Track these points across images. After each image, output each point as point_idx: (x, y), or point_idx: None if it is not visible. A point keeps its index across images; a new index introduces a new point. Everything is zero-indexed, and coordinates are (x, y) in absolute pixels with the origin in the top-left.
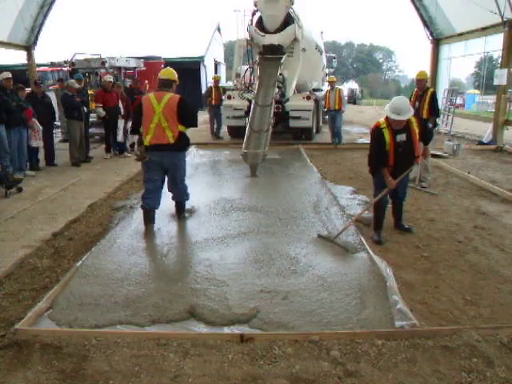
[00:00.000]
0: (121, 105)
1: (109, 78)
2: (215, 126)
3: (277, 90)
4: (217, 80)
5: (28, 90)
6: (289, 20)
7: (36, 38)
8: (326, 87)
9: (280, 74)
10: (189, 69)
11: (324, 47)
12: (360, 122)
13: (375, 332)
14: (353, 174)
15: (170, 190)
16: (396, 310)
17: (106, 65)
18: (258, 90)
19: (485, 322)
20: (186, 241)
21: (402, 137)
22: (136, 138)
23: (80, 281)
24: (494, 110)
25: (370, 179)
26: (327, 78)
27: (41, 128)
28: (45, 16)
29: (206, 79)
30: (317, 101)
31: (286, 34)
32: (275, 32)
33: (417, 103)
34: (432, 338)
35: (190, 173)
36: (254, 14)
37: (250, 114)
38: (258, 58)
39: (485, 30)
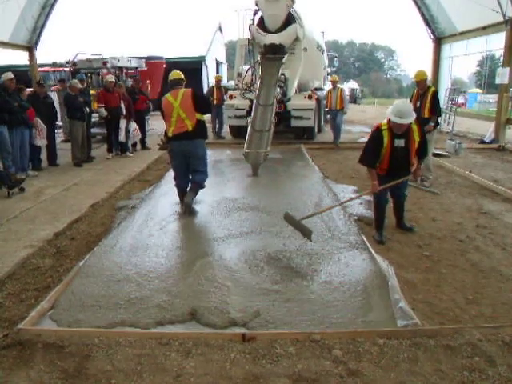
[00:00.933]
0: (122, 105)
1: (110, 78)
2: (217, 125)
3: (278, 89)
4: (218, 80)
5: (30, 90)
6: (290, 19)
7: (38, 38)
8: (327, 86)
9: (282, 74)
10: (190, 69)
11: (325, 46)
12: (361, 121)
13: (377, 331)
14: (354, 174)
15: (190, 173)
16: (398, 309)
17: (108, 65)
18: (260, 90)
19: (486, 321)
20: (188, 241)
21: (400, 142)
22: (138, 137)
23: (82, 281)
24: (495, 109)
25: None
26: (329, 77)
27: (44, 127)
28: (46, 16)
29: (208, 79)
30: (318, 100)
31: (287, 33)
32: (276, 32)
33: (418, 102)
34: (434, 337)
35: None
36: (255, 14)
37: (252, 114)
38: (259, 58)
39: (486, 29)
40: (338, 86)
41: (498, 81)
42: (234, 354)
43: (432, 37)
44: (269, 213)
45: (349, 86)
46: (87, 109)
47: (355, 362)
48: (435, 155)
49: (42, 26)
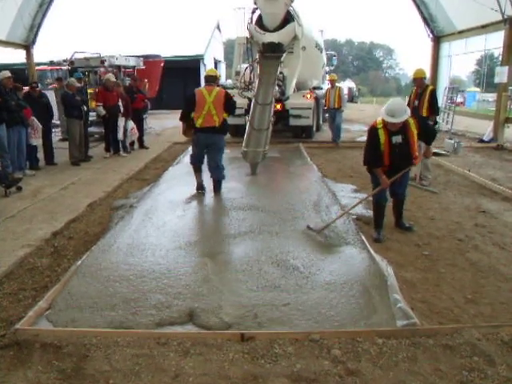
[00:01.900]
0: (120, 103)
1: (111, 76)
2: None
3: (277, 88)
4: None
5: (26, 88)
6: (289, 18)
7: (35, 36)
8: (326, 85)
9: (280, 73)
10: (188, 67)
11: (324, 45)
12: (360, 120)
13: (376, 331)
14: (353, 172)
15: (210, 170)
16: (397, 308)
17: (106, 63)
18: (258, 89)
19: (485, 321)
20: (185, 240)
21: (397, 138)
22: (135, 136)
23: (79, 281)
24: (494, 108)
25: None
26: (327, 76)
27: (40, 126)
28: (44, 14)
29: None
30: (317, 99)
31: (285, 32)
32: (275, 30)
33: (416, 101)
34: (433, 336)
35: (190, 170)
36: (253, 12)
37: (250, 113)
38: (257, 56)
39: (485, 28)
40: (337, 84)
41: (496, 80)
42: (233, 353)
43: (431, 35)
44: (268, 212)
45: (346, 85)
46: (85, 107)
47: (354, 361)
48: (434, 154)
49: (40, 24)
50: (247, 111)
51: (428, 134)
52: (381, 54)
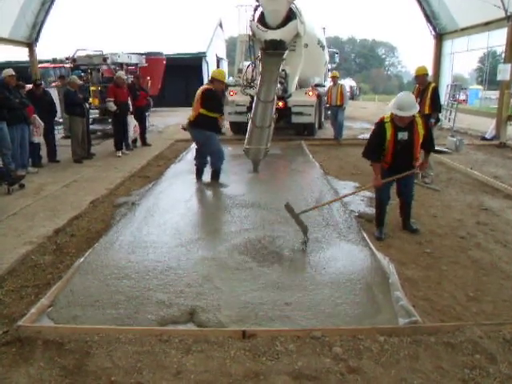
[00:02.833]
0: (130, 101)
1: (122, 74)
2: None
3: (279, 85)
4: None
5: (29, 86)
6: (291, 15)
7: (38, 34)
8: (328, 83)
9: (282, 70)
10: (191, 65)
11: (326, 43)
12: (362, 117)
13: (377, 328)
14: (355, 170)
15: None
16: (398, 306)
17: (108, 61)
18: (260, 86)
19: (487, 319)
20: (187, 238)
21: (403, 135)
22: (137, 134)
23: (81, 278)
24: (497, 106)
25: (372, 175)
26: (329, 73)
27: (42, 124)
28: (46, 12)
29: (208, 75)
30: (319, 96)
31: (288, 29)
32: (277, 27)
33: (418, 99)
34: (434, 334)
35: (192, 168)
36: (255, 10)
37: (252, 110)
38: (260, 54)
39: (488, 25)
40: (339, 82)
41: (499, 77)
42: (234, 351)
43: (433, 33)
44: (270, 210)
45: (346, 84)
46: (86, 105)
47: (355, 359)
48: (436, 152)
49: (42, 22)
50: (249, 109)
51: (432, 140)
52: (383, 51)
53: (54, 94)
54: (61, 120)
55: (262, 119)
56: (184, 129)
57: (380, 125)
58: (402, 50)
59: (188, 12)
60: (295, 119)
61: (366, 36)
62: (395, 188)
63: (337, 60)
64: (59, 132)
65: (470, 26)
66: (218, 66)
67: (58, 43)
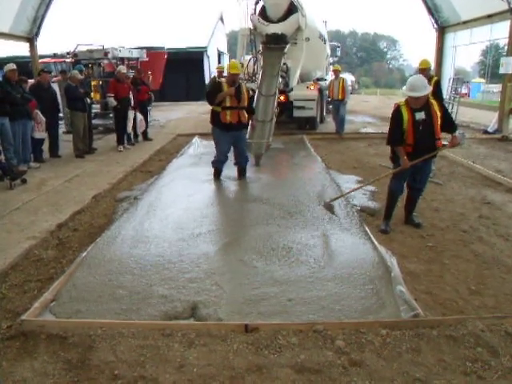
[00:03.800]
0: (131, 96)
1: (123, 68)
2: None
3: (280, 79)
4: (220, 70)
5: (31, 81)
6: (292, 9)
7: (38, 29)
8: (329, 77)
9: (284, 64)
10: (192, 59)
11: (328, 36)
12: (364, 111)
13: (380, 322)
14: (357, 164)
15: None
16: (400, 299)
17: (109, 55)
18: (262, 80)
19: (489, 312)
20: (189, 233)
21: (420, 115)
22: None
23: (84, 273)
24: (499, 99)
25: (375, 169)
26: (331, 67)
27: (44, 119)
28: (47, 7)
29: (210, 69)
30: (321, 90)
31: (289, 23)
32: (278, 21)
33: None
34: (436, 327)
35: (194, 162)
36: (257, 3)
37: (254, 104)
38: (261, 48)
39: (491, 18)
40: (341, 75)
41: (501, 70)
42: (237, 344)
43: (435, 26)
44: (272, 204)
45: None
46: (88, 100)
47: (358, 352)
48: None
49: (43, 17)
50: None
51: (451, 119)
52: (385, 44)
53: (56, 89)
54: (61, 115)
55: (264, 113)
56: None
57: (396, 110)
58: (403, 44)
59: (189, 6)
60: (297, 113)
61: (367, 29)
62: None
63: (338, 54)
64: (61, 127)
65: (473, 18)
66: (219, 60)
67: (58, 38)
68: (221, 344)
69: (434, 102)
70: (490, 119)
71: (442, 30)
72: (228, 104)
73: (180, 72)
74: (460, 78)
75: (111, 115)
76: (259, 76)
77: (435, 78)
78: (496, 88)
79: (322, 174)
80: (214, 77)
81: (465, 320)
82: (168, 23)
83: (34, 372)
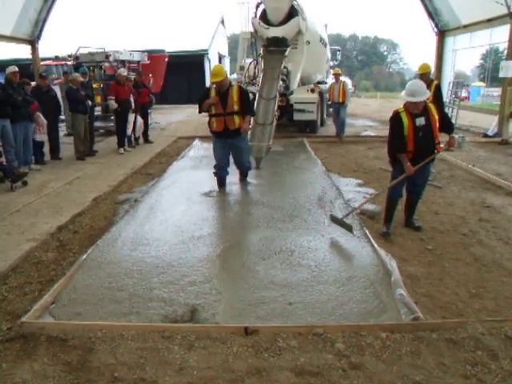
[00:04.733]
0: (132, 98)
1: (123, 71)
2: None
3: (281, 82)
4: None
5: (33, 83)
6: (293, 12)
7: (40, 31)
8: (330, 80)
9: (284, 67)
10: (193, 62)
11: (328, 40)
12: (364, 114)
13: (379, 325)
14: (357, 167)
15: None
16: (400, 302)
17: (110, 58)
18: (262, 83)
19: (489, 315)
20: (189, 236)
21: (420, 120)
22: (142, 130)
23: (84, 275)
24: (499, 103)
25: (375, 172)
26: (332, 70)
27: (45, 122)
28: (49, 10)
29: (210, 72)
30: (321, 94)
31: (290, 26)
32: (279, 24)
33: None
34: (436, 330)
35: (195, 164)
36: (257, 7)
37: (255, 107)
38: (262, 51)
39: (491, 22)
40: (341, 79)
41: (501, 74)
42: (237, 347)
43: (435, 30)
44: (272, 207)
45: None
46: (89, 102)
47: (358, 355)
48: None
49: (44, 20)
50: None
51: (449, 120)
52: (385, 48)
53: (57, 91)
54: (63, 117)
55: (265, 116)
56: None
57: (395, 116)
58: (403, 47)
59: (190, 9)
60: (297, 116)
61: (367, 33)
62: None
63: (339, 57)
64: (62, 129)
65: (473, 22)
66: (220, 64)
67: (60, 40)
68: (220, 347)
69: (431, 105)
70: (490, 123)
71: (442, 33)
72: (213, 111)
73: (181, 75)
74: (460, 82)
75: (112, 118)
76: (260, 79)
77: (436, 82)
78: (496, 92)
79: (323, 177)
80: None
81: (465, 323)
82: (169, 26)
83: (33, 374)
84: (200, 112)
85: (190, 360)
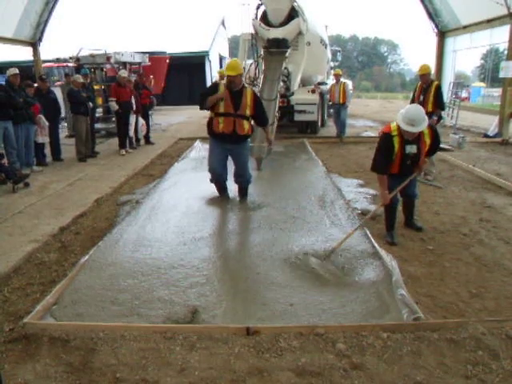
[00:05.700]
0: (133, 100)
1: (123, 73)
2: None
3: (282, 83)
4: (222, 75)
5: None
6: (293, 14)
7: (41, 34)
8: (330, 81)
9: (285, 68)
10: (194, 63)
11: (329, 41)
12: (365, 115)
13: (380, 325)
14: (358, 168)
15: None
16: (401, 303)
17: (112, 60)
18: (263, 84)
19: (490, 315)
20: (190, 237)
21: (412, 148)
22: (144, 132)
23: (86, 276)
24: (499, 103)
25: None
26: (332, 71)
27: (47, 124)
28: (50, 12)
29: (211, 74)
30: (322, 94)
31: (290, 27)
32: (280, 26)
33: (421, 97)
34: (437, 330)
35: (196, 166)
36: (258, 8)
37: None
38: (262, 52)
39: (491, 22)
40: (341, 80)
41: (501, 74)
42: (238, 347)
43: (435, 30)
44: (274, 208)
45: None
46: (90, 104)
47: (359, 355)
48: (439, 149)
49: (46, 22)
50: None
51: (436, 147)
52: (385, 49)
53: (58, 93)
54: (64, 119)
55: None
56: None
57: (387, 138)
58: (404, 48)
59: (191, 11)
60: (298, 117)
61: (368, 34)
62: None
63: (339, 58)
64: (63, 131)
65: (473, 23)
66: (220, 65)
67: (61, 42)
68: (222, 347)
69: (425, 130)
70: (491, 123)
71: (442, 34)
72: (222, 110)
73: (182, 76)
74: (460, 83)
75: (113, 119)
76: (260, 80)
77: (436, 83)
78: (496, 92)
79: (323, 177)
80: (216, 81)
81: (466, 323)
82: (170, 28)
83: (36, 375)
84: (202, 108)
85: (191, 360)
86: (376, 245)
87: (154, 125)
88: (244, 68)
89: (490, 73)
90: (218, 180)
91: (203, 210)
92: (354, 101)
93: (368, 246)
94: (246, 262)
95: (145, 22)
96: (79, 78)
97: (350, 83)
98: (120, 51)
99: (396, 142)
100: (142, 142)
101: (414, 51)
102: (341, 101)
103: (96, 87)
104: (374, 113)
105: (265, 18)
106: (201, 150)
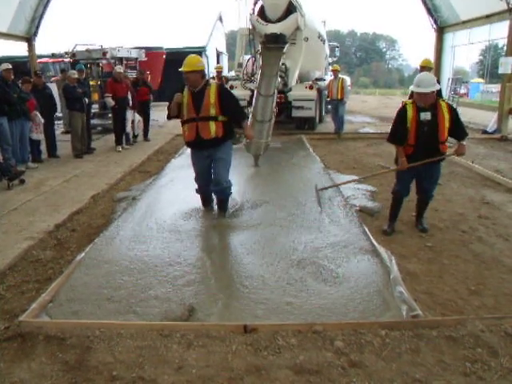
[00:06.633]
0: (129, 96)
1: (119, 68)
2: None
3: (279, 79)
4: (219, 70)
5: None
6: (291, 9)
7: (36, 28)
8: (328, 77)
9: (282, 64)
10: None
11: (327, 36)
12: (363, 111)
13: (379, 322)
14: (356, 164)
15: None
16: (400, 300)
17: (108, 55)
18: (261, 80)
19: (489, 312)
20: (187, 234)
21: (426, 115)
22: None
23: (82, 274)
24: (498, 99)
25: (374, 169)
26: (330, 67)
27: (42, 121)
28: (45, 7)
29: (208, 69)
30: (319, 90)
31: (288, 23)
32: (277, 21)
33: None
34: (436, 328)
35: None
36: (255, 3)
37: (253, 104)
38: (260, 48)
39: (490, 18)
40: (340, 75)
41: (500, 70)
42: (236, 345)
43: (434, 26)
44: (272, 204)
45: None
46: (86, 100)
47: (357, 353)
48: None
49: (41, 16)
50: (250, 103)
51: (460, 125)
52: (384, 44)
53: (54, 88)
54: (60, 115)
55: (263, 113)
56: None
57: (402, 107)
58: (402, 44)
59: (188, 6)
60: (296, 113)
61: (366, 29)
62: (415, 185)
63: (337, 54)
64: (59, 127)
65: (472, 18)
66: (218, 60)
67: (57, 38)
68: (219, 345)
69: (444, 103)
70: (489, 119)
71: (441, 30)
72: (185, 116)
73: (179, 72)
74: (459, 78)
75: (109, 115)
76: (258, 76)
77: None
78: (495, 88)
79: (321, 174)
80: (213, 77)
81: (464, 320)
82: (167, 23)
83: (31, 373)
84: (169, 118)
85: (188, 358)
86: (374, 242)
87: (151, 121)
88: (241, 64)
89: (488, 69)
90: (203, 188)
91: (200, 206)
92: (352, 97)
93: (366, 243)
94: (243, 260)
95: (141, 16)
96: (74, 74)
97: (348, 79)
98: (116, 46)
99: (409, 108)
100: (141, 138)
101: (413, 47)
102: (339, 97)
103: (92, 83)
104: (373, 109)
105: (262, 14)
106: None
